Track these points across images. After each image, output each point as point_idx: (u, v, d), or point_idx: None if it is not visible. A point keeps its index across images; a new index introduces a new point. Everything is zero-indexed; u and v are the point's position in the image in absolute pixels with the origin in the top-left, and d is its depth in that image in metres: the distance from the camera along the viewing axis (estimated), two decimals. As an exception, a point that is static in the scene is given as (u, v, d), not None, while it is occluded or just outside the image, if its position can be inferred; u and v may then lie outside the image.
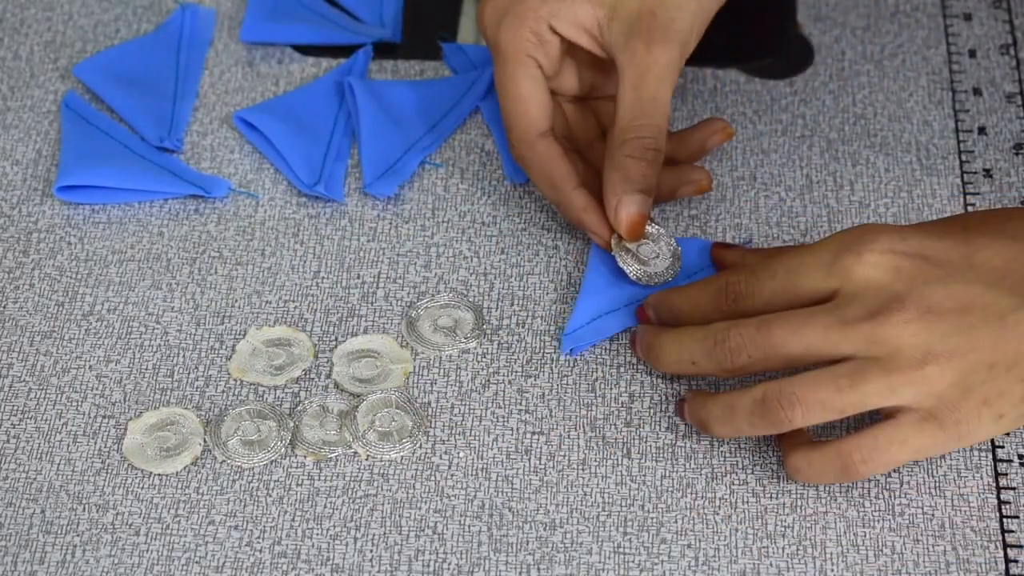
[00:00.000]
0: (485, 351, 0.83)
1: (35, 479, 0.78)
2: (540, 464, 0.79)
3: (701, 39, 0.85)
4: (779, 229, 0.88)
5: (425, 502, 0.77)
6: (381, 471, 0.78)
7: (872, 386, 0.74)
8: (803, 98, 0.94)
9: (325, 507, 0.77)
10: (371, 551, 0.76)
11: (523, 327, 0.84)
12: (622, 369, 0.82)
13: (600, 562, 0.75)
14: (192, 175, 0.90)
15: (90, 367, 0.82)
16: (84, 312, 0.85)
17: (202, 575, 0.75)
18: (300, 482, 0.78)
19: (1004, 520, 0.76)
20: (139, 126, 0.93)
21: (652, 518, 0.77)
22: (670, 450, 0.79)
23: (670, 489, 0.78)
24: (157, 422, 0.80)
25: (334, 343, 0.83)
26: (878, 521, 0.76)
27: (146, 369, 0.82)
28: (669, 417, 0.80)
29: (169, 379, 0.82)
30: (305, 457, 0.79)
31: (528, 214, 0.89)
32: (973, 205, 0.89)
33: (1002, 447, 0.79)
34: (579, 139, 0.88)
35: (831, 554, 0.75)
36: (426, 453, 0.79)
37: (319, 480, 0.78)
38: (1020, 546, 0.75)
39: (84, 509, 0.77)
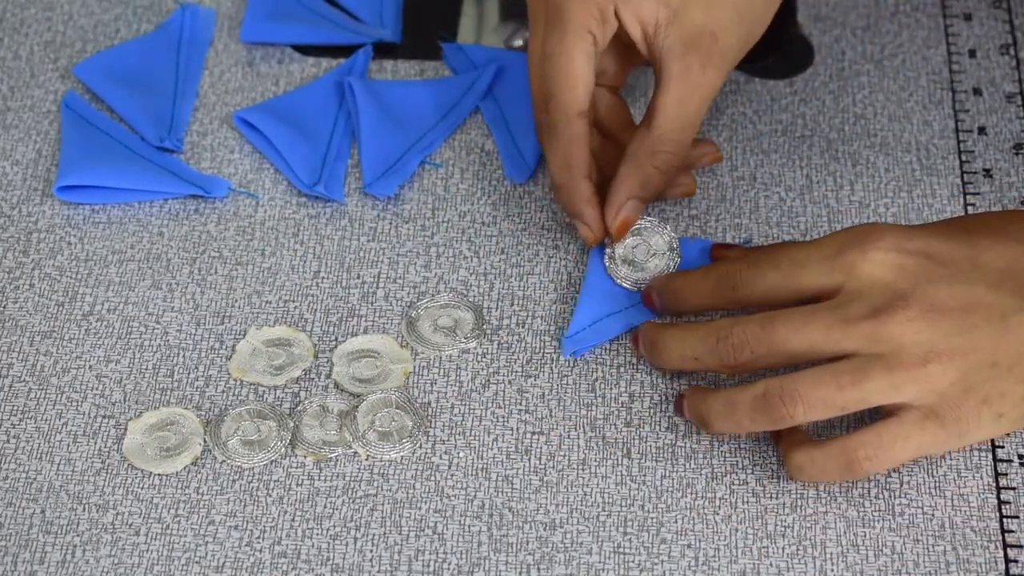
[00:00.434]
0: (485, 351, 0.83)
1: (35, 479, 0.78)
2: (540, 464, 0.79)
3: None
4: (779, 229, 0.88)
5: (425, 502, 0.77)
6: (381, 471, 0.78)
7: (874, 383, 0.74)
8: (803, 98, 0.94)
9: (325, 507, 0.77)
10: (371, 551, 0.76)
11: (523, 327, 0.84)
12: (622, 369, 0.82)
13: (600, 562, 0.75)
14: (192, 175, 0.90)
15: (90, 367, 0.82)
16: (84, 312, 0.85)
17: (202, 575, 0.75)
18: (300, 482, 0.78)
19: (1004, 520, 0.76)
20: (139, 126, 0.93)
21: (652, 518, 0.77)
22: (670, 450, 0.79)
23: (670, 489, 0.78)
24: (157, 422, 0.80)
25: (334, 343, 0.83)
26: (878, 521, 0.76)
27: (146, 369, 0.82)
28: (669, 417, 0.80)
29: (169, 379, 0.82)
30: (305, 457, 0.79)
31: (528, 214, 0.89)
32: (973, 205, 0.89)
33: (1002, 447, 0.79)
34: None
35: (831, 554, 0.75)
36: (426, 453, 0.79)
37: (319, 480, 0.78)
38: (1020, 546, 0.75)
39: (84, 509, 0.77)
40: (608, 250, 0.85)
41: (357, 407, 0.80)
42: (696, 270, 0.82)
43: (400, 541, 0.76)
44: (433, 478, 0.78)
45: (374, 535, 0.76)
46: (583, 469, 0.78)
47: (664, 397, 0.81)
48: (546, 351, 0.83)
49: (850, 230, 0.77)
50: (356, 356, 0.83)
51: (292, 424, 0.80)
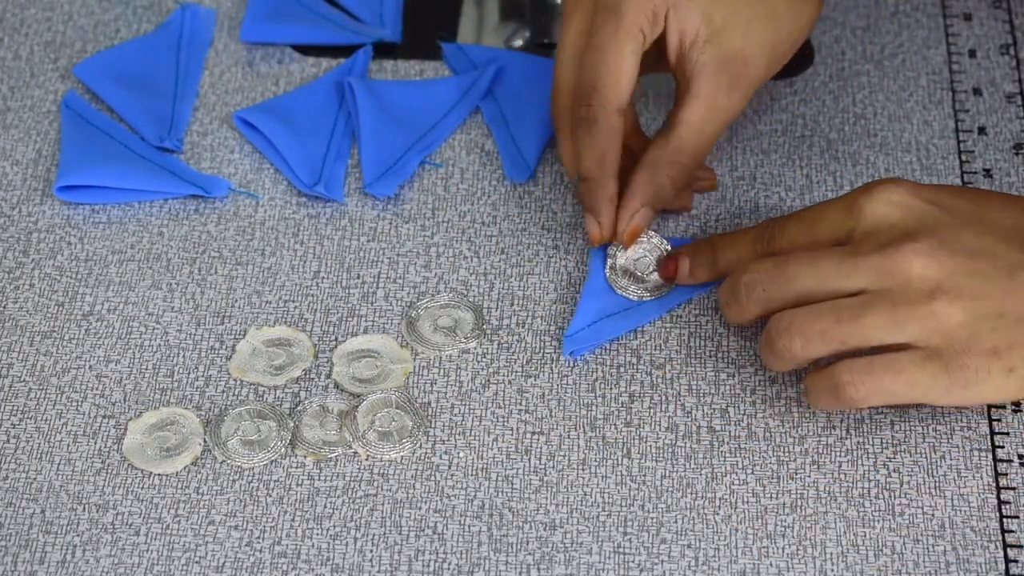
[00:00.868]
0: (485, 351, 0.83)
1: (35, 479, 0.78)
2: (540, 464, 0.79)
3: None
4: (779, 229, 0.88)
5: (425, 502, 0.77)
6: (381, 471, 0.78)
7: (876, 318, 0.75)
8: (803, 98, 0.94)
9: (325, 507, 0.77)
10: (371, 551, 0.76)
11: (523, 327, 0.84)
12: (622, 369, 0.82)
13: (600, 562, 0.75)
14: (192, 175, 0.90)
15: (90, 367, 0.82)
16: (84, 312, 0.85)
17: (202, 575, 0.75)
18: (300, 482, 0.78)
19: (1004, 520, 0.76)
20: (139, 126, 0.93)
21: (652, 518, 0.77)
22: (670, 450, 0.79)
23: (670, 489, 0.78)
24: (157, 422, 0.80)
25: (334, 343, 0.83)
26: (878, 521, 0.76)
27: (146, 369, 0.82)
28: (669, 417, 0.80)
29: (169, 379, 0.82)
30: (305, 457, 0.79)
31: (528, 214, 0.89)
32: (973, 205, 0.89)
33: (1002, 447, 0.79)
34: None
35: (831, 554, 0.75)
36: (426, 453, 0.79)
37: (319, 480, 0.78)
38: (1020, 546, 0.75)
39: (84, 509, 0.77)
40: (610, 260, 0.85)
41: (357, 407, 0.80)
42: (734, 232, 0.83)
43: (400, 541, 0.76)
44: (433, 478, 0.78)
45: (374, 535, 0.76)
46: (583, 469, 0.78)
47: (664, 397, 0.81)
48: (546, 351, 0.83)
49: (865, 184, 0.79)
50: (356, 356, 0.83)
51: (292, 424, 0.80)
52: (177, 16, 0.98)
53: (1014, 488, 0.77)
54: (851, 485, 0.77)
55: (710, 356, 0.82)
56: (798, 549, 0.75)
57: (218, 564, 0.75)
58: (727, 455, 0.79)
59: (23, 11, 1.00)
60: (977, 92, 0.94)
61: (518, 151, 0.91)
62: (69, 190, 0.89)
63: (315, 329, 0.84)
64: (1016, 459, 0.78)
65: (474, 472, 0.78)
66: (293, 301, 0.85)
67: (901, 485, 0.77)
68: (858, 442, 0.79)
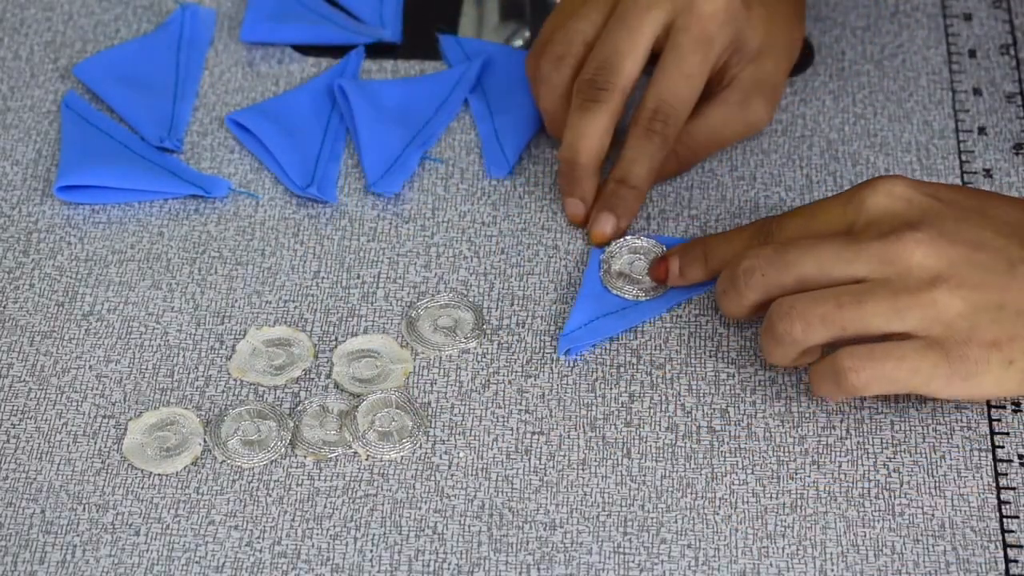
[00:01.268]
0: (485, 351, 0.83)
1: (35, 479, 0.78)
2: (540, 464, 0.79)
3: None
4: (779, 229, 0.88)
5: (425, 502, 0.77)
6: (381, 471, 0.78)
7: (877, 306, 0.75)
8: (803, 98, 0.94)
9: (325, 507, 0.77)
10: (371, 551, 0.76)
11: (523, 327, 0.84)
12: (622, 369, 0.82)
13: (600, 562, 0.75)
14: (192, 175, 0.90)
15: (90, 367, 0.82)
16: (84, 312, 0.85)
17: (202, 575, 0.75)
18: (300, 482, 0.78)
19: (1004, 520, 0.76)
20: (139, 126, 0.93)
21: (652, 518, 0.77)
22: (670, 450, 0.79)
23: (670, 489, 0.78)
24: (157, 422, 0.80)
25: (334, 343, 0.83)
26: (878, 521, 0.76)
27: (146, 369, 0.82)
28: (669, 417, 0.80)
29: (169, 379, 0.82)
30: (305, 457, 0.79)
31: (528, 214, 0.89)
32: (973, 205, 0.89)
33: (1002, 447, 0.79)
34: None
35: (831, 554, 0.75)
36: (426, 453, 0.79)
37: (319, 480, 0.78)
38: (1020, 546, 0.75)
39: (84, 509, 0.77)
40: (604, 265, 0.85)
41: (357, 407, 0.80)
42: (730, 231, 0.84)
43: (400, 541, 0.76)
44: (433, 478, 0.78)
45: (374, 535, 0.76)
46: (583, 469, 0.78)
47: (664, 397, 0.81)
48: (546, 351, 0.83)
49: (866, 180, 0.80)
50: (356, 356, 0.83)
51: (292, 424, 0.80)
52: (177, 16, 0.98)
53: (1014, 488, 0.77)
54: (851, 485, 0.77)
55: (710, 356, 0.82)
56: (798, 549, 0.75)
57: (218, 564, 0.75)
58: (727, 455, 0.79)
59: (23, 11, 1.00)
60: (977, 92, 0.94)
61: (499, 146, 0.92)
62: (69, 190, 0.89)
63: (315, 329, 0.84)
64: (1016, 459, 0.78)
65: (474, 472, 0.78)
66: (293, 301, 0.85)
67: (901, 485, 0.77)
68: (858, 442, 0.79)
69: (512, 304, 0.85)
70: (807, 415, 0.80)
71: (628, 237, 0.86)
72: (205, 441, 0.80)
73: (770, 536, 0.76)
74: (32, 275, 0.86)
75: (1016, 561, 0.75)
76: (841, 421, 0.80)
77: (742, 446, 0.79)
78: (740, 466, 0.78)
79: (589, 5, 0.89)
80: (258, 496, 0.78)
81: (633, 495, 0.77)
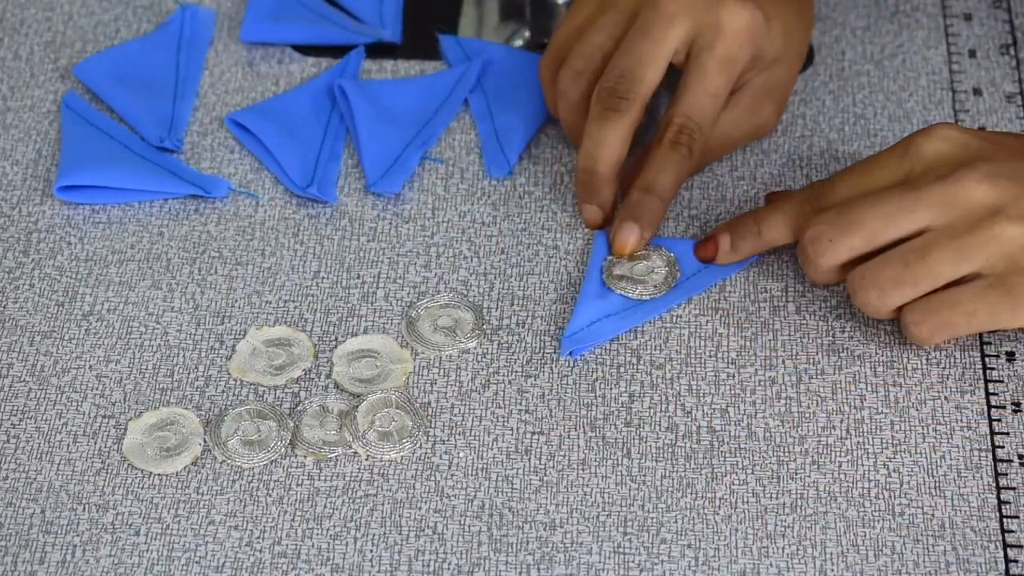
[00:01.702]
0: (485, 351, 0.83)
1: (35, 479, 0.78)
2: (540, 464, 0.79)
3: None
4: (779, 229, 0.88)
5: (425, 502, 0.77)
6: (381, 471, 0.78)
7: (941, 253, 0.76)
8: (803, 98, 0.94)
9: (325, 507, 0.77)
10: (371, 551, 0.76)
11: (523, 327, 0.84)
12: (622, 369, 0.82)
13: (600, 562, 0.75)
14: (192, 175, 0.90)
15: (90, 367, 0.82)
16: (84, 312, 0.85)
17: (202, 575, 0.75)
18: (300, 482, 0.78)
19: (1004, 520, 0.76)
20: (139, 126, 0.93)
21: (652, 518, 0.77)
22: (670, 450, 0.79)
23: (670, 489, 0.78)
24: (157, 422, 0.80)
25: (334, 343, 0.83)
26: (878, 521, 0.76)
27: (146, 369, 0.82)
28: (669, 417, 0.80)
29: (169, 379, 0.82)
30: (305, 457, 0.79)
31: (528, 214, 0.89)
32: (973, 205, 0.89)
33: (1002, 447, 0.79)
34: None
35: (831, 554, 0.75)
36: (426, 453, 0.79)
37: (319, 480, 0.78)
38: (1020, 546, 0.75)
39: (84, 509, 0.77)
40: (605, 268, 0.85)
41: (357, 407, 0.80)
42: (772, 203, 0.84)
43: (400, 541, 0.76)
44: (433, 478, 0.78)
45: (374, 535, 0.76)
46: (583, 469, 0.78)
47: (664, 397, 0.81)
48: (546, 351, 0.83)
49: (919, 130, 0.81)
50: (356, 356, 0.83)
51: (292, 424, 0.80)
52: (177, 16, 0.98)
53: (1014, 488, 0.77)
54: (851, 485, 0.77)
55: (710, 356, 0.82)
56: (798, 549, 0.75)
57: (218, 564, 0.75)
58: (727, 455, 0.79)
59: (23, 11, 1.00)
60: (977, 92, 0.94)
61: (499, 146, 0.92)
62: (69, 190, 0.89)
63: (315, 329, 0.84)
64: (1016, 459, 0.78)
65: (474, 472, 0.78)
66: (293, 301, 0.85)
67: (901, 485, 0.77)
68: (858, 442, 0.79)
69: (512, 304, 0.85)
70: (807, 415, 0.80)
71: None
72: (205, 441, 0.80)
73: (770, 536, 0.76)
74: (32, 275, 0.86)
75: (1016, 561, 0.75)
76: (841, 421, 0.80)
77: (742, 446, 0.79)
78: (740, 466, 0.78)
79: (607, 16, 0.88)
80: (258, 496, 0.78)
81: (633, 495, 0.77)
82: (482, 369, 0.82)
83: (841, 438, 0.79)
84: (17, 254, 0.87)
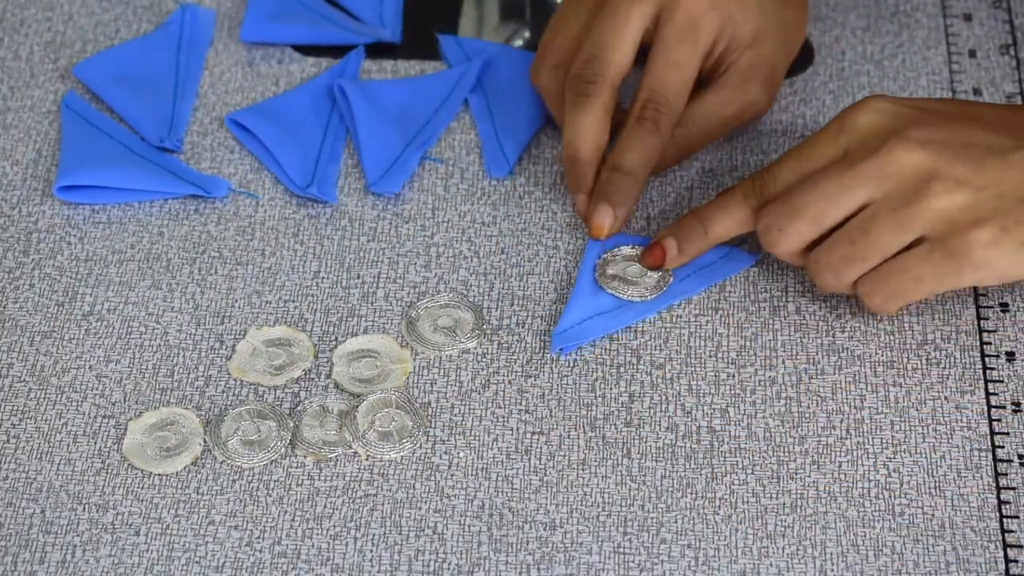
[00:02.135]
0: (485, 351, 0.83)
1: (35, 479, 0.78)
2: (540, 464, 0.79)
3: None
4: (779, 229, 0.88)
5: (425, 502, 0.77)
6: (381, 471, 0.78)
7: (882, 225, 0.77)
8: (803, 98, 0.94)
9: (325, 507, 0.77)
10: (371, 551, 0.76)
11: (523, 327, 0.84)
12: (622, 369, 0.82)
13: (600, 562, 0.75)
14: (192, 175, 0.90)
15: (90, 367, 0.82)
16: (84, 312, 0.85)
17: (202, 575, 0.75)
18: (300, 482, 0.78)
19: (1004, 520, 0.76)
20: (139, 126, 0.93)
21: (652, 518, 0.77)
22: (670, 450, 0.79)
23: (670, 489, 0.78)
24: (157, 422, 0.80)
25: (334, 343, 0.83)
26: (878, 521, 0.76)
27: (146, 369, 0.82)
28: (669, 417, 0.80)
29: (169, 379, 0.82)
30: (305, 457, 0.79)
31: (528, 214, 0.89)
32: (973, 205, 0.89)
33: (1002, 447, 0.79)
34: None
35: (831, 554, 0.75)
36: (426, 453, 0.79)
37: (319, 480, 0.78)
38: (1020, 546, 0.75)
39: (84, 509, 0.77)
40: (599, 269, 0.85)
41: (357, 407, 0.80)
42: (714, 200, 0.84)
43: (400, 541, 0.76)
44: (433, 478, 0.78)
45: (374, 535, 0.76)
46: (583, 469, 0.78)
47: (664, 397, 0.81)
48: (546, 351, 0.83)
49: (852, 104, 0.82)
50: (356, 356, 0.83)
51: (292, 424, 0.80)
52: (177, 16, 0.98)
53: (1014, 488, 0.77)
54: (851, 485, 0.77)
55: (710, 356, 0.82)
56: (798, 549, 0.75)
57: (218, 564, 0.75)
58: (727, 455, 0.79)
59: (23, 11, 1.00)
60: (977, 92, 0.94)
61: (499, 146, 0.92)
62: (69, 190, 0.89)
63: (315, 329, 0.84)
64: (1016, 459, 0.78)
65: (474, 472, 0.78)
66: (293, 301, 0.85)
67: (901, 485, 0.77)
68: (858, 442, 0.79)
69: (512, 304, 0.85)
70: (807, 415, 0.80)
71: (623, 247, 0.86)
72: (205, 441, 0.80)
73: (770, 536, 0.76)
74: (32, 275, 0.86)
75: (1016, 561, 0.75)
76: (841, 421, 0.80)
77: (742, 446, 0.79)
78: (740, 466, 0.78)
79: (577, 8, 0.89)
80: (258, 496, 0.78)
81: (633, 495, 0.77)
82: (482, 369, 0.82)
83: (841, 438, 0.79)
84: (17, 254, 0.87)
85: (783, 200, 0.80)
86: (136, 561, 0.75)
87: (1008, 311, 0.84)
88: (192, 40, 0.97)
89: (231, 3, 1.00)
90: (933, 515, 0.76)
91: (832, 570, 0.75)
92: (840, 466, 0.78)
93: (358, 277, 0.86)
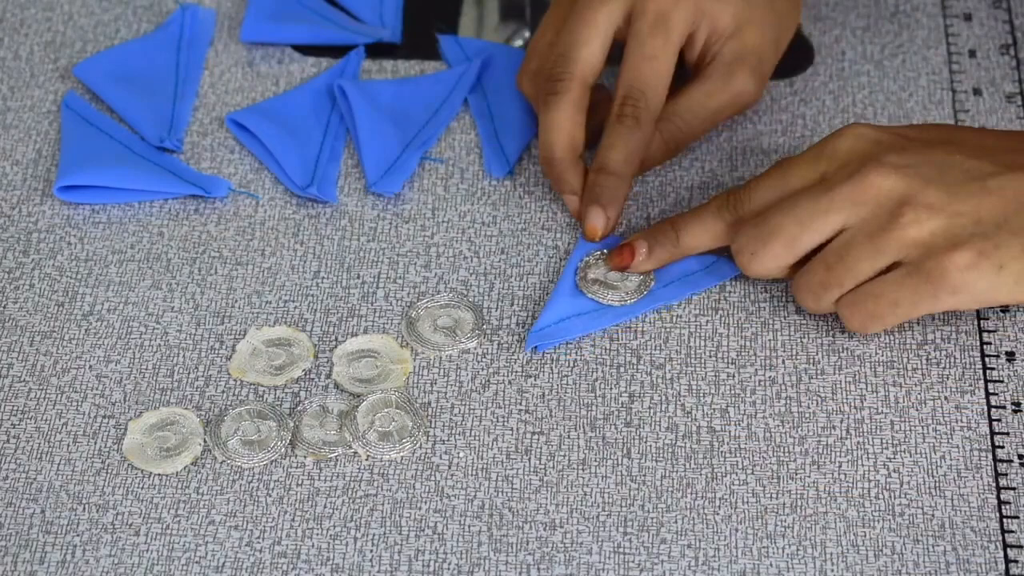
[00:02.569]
0: (485, 351, 0.83)
1: (35, 479, 0.78)
2: (540, 464, 0.79)
3: None
4: (779, 229, 0.88)
5: (425, 502, 0.77)
6: (381, 471, 0.78)
7: (858, 251, 0.77)
8: (803, 98, 0.94)
9: (325, 507, 0.77)
10: (371, 551, 0.76)
11: (523, 327, 0.84)
12: (622, 369, 0.82)
13: (600, 562, 0.75)
14: (192, 175, 0.90)
15: (90, 367, 0.82)
16: (84, 312, 0.85)
17: (202, 575, 0.75)
18: (300, 482, 0.78)
19: (1004, 520, 0.76)
20: (139, 126, 0.93)
21: (652, 518, 0.77)
22: (670, 450, 0.79)
23: (670, 489, 0.78)
24: (157, 422, 0.80)
25: (334, 343, 0.83)
26: (878, 521, 0.76)
27: (146, 369, 0.82)
28: (669, 417, 0.80)
29: (169, 379, 0.82)
30: (305, 457, 0.79)
31: (528, 214, 0.89)
32: (973, 205, 0.89)
33: (1002, 447, 0.79)
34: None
35: (831, 554, 0.75)
36: (426, 453, 0.79)
37: (319, 480, 0.78)
38: (1020, 546, 0.75)
39: (84, 509, 0.77)
40: (581, 272, 0.85)
41: (357, 407, 0.80)
42: (690, 210, 0.84)
43: (400, 541, 0.76)
44: (433, 478, 0.78)
45: (374, 535, 0.76)
46: (583, 469, 0.78)
47: (664, 397, 0.81)
48: (546, 351, 0.83)
49: (835, 131, 0.82)
50: (356, 356, 0.83)
51: (292, 424, 0.80)
52: (177, 16, 0.98)
53: (1014, 488, 0.77)
54: (851, 485, 0.77)
55: (710, 356, 0.82)
56: (798, 549, 0.75)
57: (218, 564, 0.75)
58: (727, 455, 0.79)
59: (23, 11, 1.00)
60: (977, 92, 0.94)
61: (499, 146, 0.92)
62: (69, 190, 0.89)
63: (315, 329, 0.84)
64: (1016, 459, 0.78)
65: (474, 472, 0.78)
66: (293, 301, 0.85)
67: (901, 485, 0.77)
68: (858, 442, 0.79)
69: (512, 304, 0.85)
70: (807, 415, 0.80)
71: (607, 251, 0.85)
72: (205, 441, 0.80)
73: (770, 536, 0.76)
74: (32, 275, 0.86)
75: (1016, 561, 0.75)
76: (841, 421, 0.80)
77: (742, 446, 0.79)
78: (740, 466, 0.78)
79: (556, 13, 0.90)
80: (258, 496, 0.78)
81: (633, 495, 0.77)
82: (482, 369, 0.82)
83: (841, 438, 0.79)
84: (17, 254, 0.87)
85: (757, 222, 0.80)
86: (136, 561, 0.75)
87: (1008, 311, 0.84)
88: (192, 40, 0.97)
89: (231, 3, 1.00)
90: (933, 515, 0.76)
91: (832, 570, 0.75)
92: (840, 466, 0.78)
93: (358, 277, 0.86)
